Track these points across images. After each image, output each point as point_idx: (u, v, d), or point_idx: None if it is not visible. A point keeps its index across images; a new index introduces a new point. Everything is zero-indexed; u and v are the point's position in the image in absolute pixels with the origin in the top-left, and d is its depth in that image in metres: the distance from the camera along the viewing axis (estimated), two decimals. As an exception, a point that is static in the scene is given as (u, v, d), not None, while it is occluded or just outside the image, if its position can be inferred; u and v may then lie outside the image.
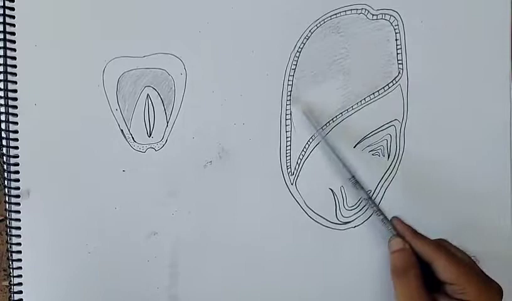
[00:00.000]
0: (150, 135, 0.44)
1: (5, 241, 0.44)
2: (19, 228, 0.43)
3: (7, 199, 0.43)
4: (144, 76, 0.44)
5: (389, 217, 0.43)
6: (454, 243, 0.42)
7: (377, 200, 0.45)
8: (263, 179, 0.45)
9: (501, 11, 0.45)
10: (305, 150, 0.45)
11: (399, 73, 0.45)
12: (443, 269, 0.39)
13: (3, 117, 0.43)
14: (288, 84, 0.45)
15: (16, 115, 0.43)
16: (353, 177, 0.43)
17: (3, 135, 0.43)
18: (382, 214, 0.43)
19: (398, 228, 0.42)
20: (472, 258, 0.41)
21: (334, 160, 0.44)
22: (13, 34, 0.43)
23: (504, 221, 0.45)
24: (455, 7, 0.45)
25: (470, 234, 0.44)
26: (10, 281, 0.43)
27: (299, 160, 0.45)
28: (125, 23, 0.44)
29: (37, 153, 0.43)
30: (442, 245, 0.40)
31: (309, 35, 0.45)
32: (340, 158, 0.43)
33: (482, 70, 0.45)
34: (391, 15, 0.45)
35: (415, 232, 0.42)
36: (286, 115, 0.45)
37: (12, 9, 0.43)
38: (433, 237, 0.42)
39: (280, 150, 0.45)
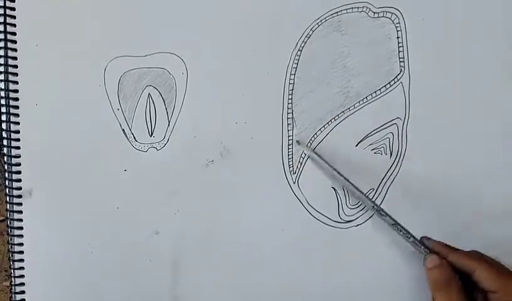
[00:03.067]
0: (152, 134, 0.44)
1: (6, 241, 0.44)
2: (21, 228, 0.43)
3: (8, 199, 0.43)
4: (145, 76, 0.44)
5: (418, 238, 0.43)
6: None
7: (379, 200, 0.45)
8: (265, 178, 0.45)
9: (502, 8, 0.45)
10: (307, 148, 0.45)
11: (401, 71, 0.45)
12: (486, 277, 0.39)
13: (4, 117, 0.43)
14: (289, 83, 0.45)
15: (17, 115, 0.43)
16: (375, 206, 0.43)
17: (4, 134, 0.43)
18: (411, 236, 0.42)
19: (431, 246, 0.42)
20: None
21: (356, 193, 0.43)
22: (14, 34, 0.43)
23: (508, 218, 0.45)
24: (457, 5, 0.45)
25: (472, 231, 0.44)
26: (12, 281, 0.43)
27: (301, 159, 0.45)
28: (126, 22, 0.44)
29: (38, 153, 0.43)
30: (478, 255, 0.41)
31: (310, 33, 0.45)
32: (360, 191, 0.43)
33: (484, 67, 0.45)
34: (392, 13, 0.45)
35: (449, 246, 0.42)
36: (288, 113, 0.45)
37: (13, 9, 0.43)
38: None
39: (282, 149, 0.45)
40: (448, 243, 0.42)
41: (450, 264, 0.40)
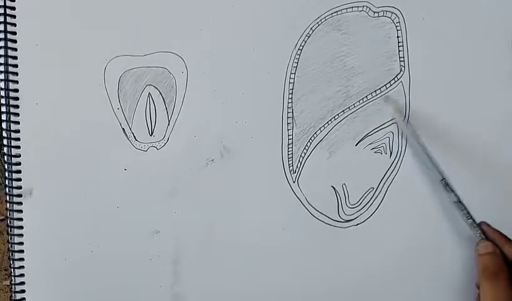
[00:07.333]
0: (152, 133, 0.44)
1: (6, 240, 0.44)
2: (21, 228, 0.43)
3: (8, 198, 0.43)
4: (145, 75, 0.44)
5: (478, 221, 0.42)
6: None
7: (379, 199, 0.45)
8: (265, 177, 0.45)
9: (502, 8, 0.45)
10: (306, 148, 0.45)
11: (401, 70, 0.45)
12: None
13: (4, 117, 0.43)
14: (289, 82, 0.45)
15: (17, 114, 0.43)
16: (444, 179, 0.42)
17: (4, 134, 0.43)
18: (471, 218, 0.42)
19: (487, 233, 0.41)
20: None
21: (424, 160, 0.43)
22: (14, 33, 0.43)
23: (509, 217, 0.45)
24: (457, 4, 0.45)
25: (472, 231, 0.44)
26: (12, 280, 0.43)
27: (301, 158, 0.45)
28: (125, 22, 0.44)
29: (38, 152, 0.43)
30: None
31: (310, 33, 0.45)
32: (431, 160, 0.43)
33: (484, 66, 0.45)
34: (392, 13, 0.45)
35: (505, 237, 0.41)
36: (288, 112, 0.45)
37: (13, 8, 0.43)
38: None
39: (281, 148, 0.45)
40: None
41: (504, 256, 0.40)
